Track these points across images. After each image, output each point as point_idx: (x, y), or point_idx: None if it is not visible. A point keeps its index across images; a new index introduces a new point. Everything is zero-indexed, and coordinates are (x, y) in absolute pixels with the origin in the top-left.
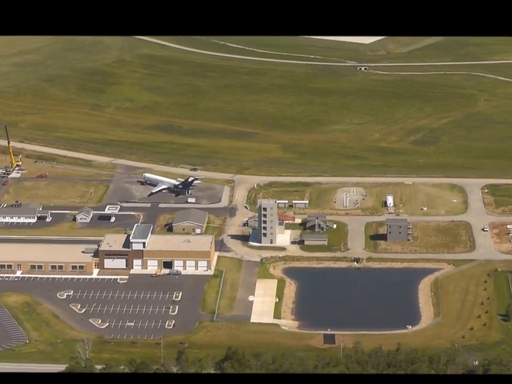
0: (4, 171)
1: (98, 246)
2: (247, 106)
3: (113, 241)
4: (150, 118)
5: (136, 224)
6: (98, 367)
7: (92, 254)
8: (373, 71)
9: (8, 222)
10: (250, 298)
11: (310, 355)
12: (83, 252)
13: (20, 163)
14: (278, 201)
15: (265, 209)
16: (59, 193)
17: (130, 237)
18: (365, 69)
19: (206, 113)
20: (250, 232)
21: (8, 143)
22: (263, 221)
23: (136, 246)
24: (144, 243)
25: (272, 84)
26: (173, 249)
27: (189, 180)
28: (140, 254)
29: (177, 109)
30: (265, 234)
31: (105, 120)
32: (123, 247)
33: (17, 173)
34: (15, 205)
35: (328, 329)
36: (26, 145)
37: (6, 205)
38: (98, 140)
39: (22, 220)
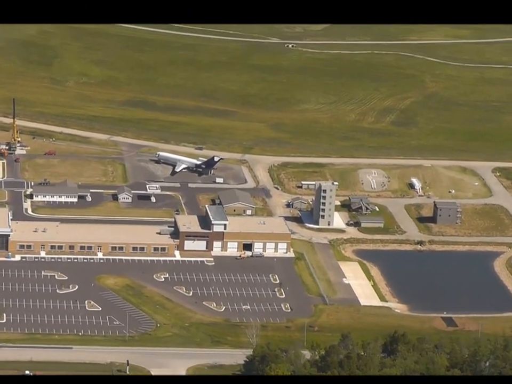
0: (7, 147)
1: (174, 227)
2: (206, 83)
3: (188, 222)
4: (117, 93)
5: (207, 205)
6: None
7: (169, 236)
8: (302, 48)
9: (51, 201)
10: (345, 281)
11: (464, 338)
12: (158, 233)
13: (19, 139)
14: (304, 182)
15: (324, 191)
16: (79, 171)
17: (211, 219)
18: (292, 46)
19: (170, 90)
20: (299, 214)
21: (14, 117)
22: (322, 203)
23: (217, 228)
24: (225, 225)
25: (214, 60)
26: (252, 231)
27: (214, 159)
28: (220, 236)
29: (138, 84)
30: (323, 216)
31: (74, 95)
32: (202, 228)
33: (22, 149)
34: (43, 183)
35: (444, 312)
36: (11, 120)
37: (33, 183)
38: (82, 115)
39: (63, 199)
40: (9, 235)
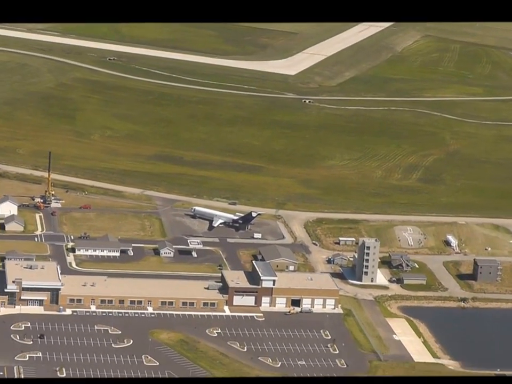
0: (42, 200)
1: (222, 282)
2: (229, 138)
3: (236, 278)
4: (143, 147)
5: (253, 261)
6: None
7: (217, 291)
8: (319, 104)
9: (93, 255)
10: (395, 337)
11: None
12: (206, 288)
13: (53, 192)
14: (341, 239)
15: (368, 247)
16: (117, 225)
17: (260, 274)
18: (309, 102)
19: (194, 144)
20: (341, 270)
21: (49, 171)
22: (366, 260)
23: (266, 284)
24: (274, 281)
25: (234, 115)
26: (300, 287)
27: (252, 214)
28: (269, 292)
29: (162, 139)
30: (366, 273)
31: (101, 148)
32: (250, 284)
33: (57, 202)
34: (83, 237)
35: (498, 370)
36: (42, 173)
37: (73, 237)
38: (111, 169)
39: (105, 253)
40: (59, 289)
